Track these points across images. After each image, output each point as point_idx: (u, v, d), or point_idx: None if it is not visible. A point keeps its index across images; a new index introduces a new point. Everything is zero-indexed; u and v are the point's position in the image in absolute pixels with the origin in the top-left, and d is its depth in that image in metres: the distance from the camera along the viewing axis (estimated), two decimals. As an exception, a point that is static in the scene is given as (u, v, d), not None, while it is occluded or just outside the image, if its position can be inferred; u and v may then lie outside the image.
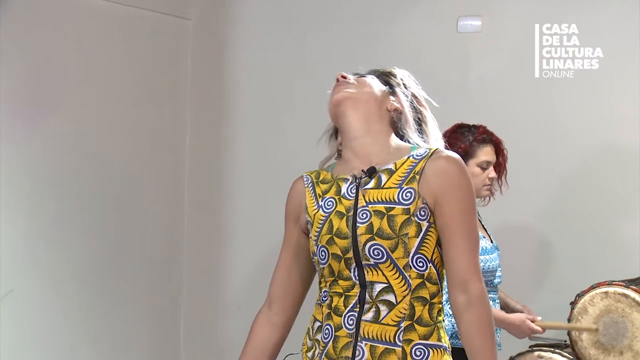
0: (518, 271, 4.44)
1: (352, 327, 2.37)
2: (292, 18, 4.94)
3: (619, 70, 4.41)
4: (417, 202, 2.35)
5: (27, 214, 4.28)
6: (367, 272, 2.36)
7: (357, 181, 2.43)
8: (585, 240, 4.43)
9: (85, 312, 4.52)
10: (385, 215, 2.35)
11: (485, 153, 3.66)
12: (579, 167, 4.47)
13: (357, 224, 2.37)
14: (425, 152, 2.42)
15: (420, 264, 2.36)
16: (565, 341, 3.92)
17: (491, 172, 3.67)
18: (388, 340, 2.34)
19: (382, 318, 2.34)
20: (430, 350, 2.34)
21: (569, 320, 3.81)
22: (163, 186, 4.95)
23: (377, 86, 2.51)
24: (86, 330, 4.53)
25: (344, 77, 2.52)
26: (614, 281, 3.80)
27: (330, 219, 2.41)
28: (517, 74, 4.56)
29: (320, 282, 2.48)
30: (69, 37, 4.46)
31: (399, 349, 2.33)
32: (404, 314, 2.34)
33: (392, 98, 2.51)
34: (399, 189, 2.37)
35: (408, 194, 2.36)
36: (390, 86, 2.53)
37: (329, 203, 2.44)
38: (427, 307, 2.36)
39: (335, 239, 2.39)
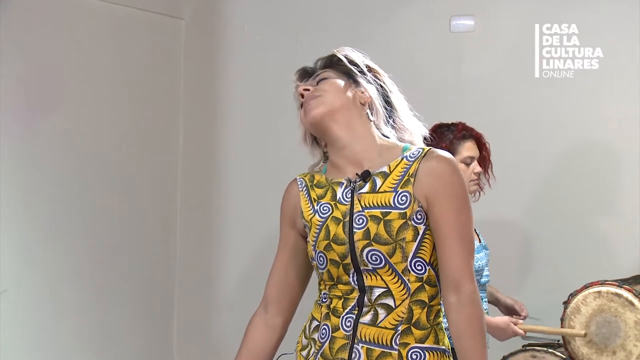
0: (509, 270, 4.44)
1: (350, 329, 2.36)
2: (285, 18, 4.94)
3: (619, 70, 4.41)
4: (413, 205, 2.34)
5: (21, 213, 4.28)
6: (366, 277, 2.35)
7: (352, 185, 2.41)
8: (578, 239, 4.44)
9: (79, 312, 4.52)
10: (382, 221, 2.34)
11: (467, 148, 3.66)
12: (578, 166, 4.48)
13: (354, 230, 2.35)
14: (419, 152, 2.39)
15: (419, 268, 2.35)
16: (558, 341, 3.93)
17: (476, 167, 3.68)
18: (385, 343, 2.33)
19: (380, 321, 2.34)
20: (427, 353, 2.34)
21: (562, 319, 3.82)
22: (156, 185, 4.95)
23: (341, 82, 2.45)
24: (80, 329, 4.53)
25: (307, 90, 2.45)
26: (607, 281, 3.80)
27: (327, 225, 2.40)
28: (511, 74, 4.56)
29: (319, 285, 2.47)
30: (62, 36, 4.46)
31: (395, 353, 2.33)
32: (402, 317, 2.34)
33: (360, 89, 2.45)
34: (395, 193, 2.36)
35: (404, 198, 2.35)
36: (349, 75, 2.46)
37: (325, 208, 2.43)
38: (425, 310, 2.36)
39: (333, 244, 2.38)
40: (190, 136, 5.06)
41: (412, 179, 2.35)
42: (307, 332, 2.47)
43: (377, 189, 2.38)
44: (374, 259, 2.33)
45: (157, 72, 4.94)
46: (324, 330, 2.40)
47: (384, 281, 2.34)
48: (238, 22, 5.01)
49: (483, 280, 3.64)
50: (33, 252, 4.33)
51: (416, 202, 2.34)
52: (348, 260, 2.36)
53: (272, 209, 4.77)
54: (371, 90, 2.45)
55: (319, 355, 2.40)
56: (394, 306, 2.34)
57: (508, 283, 4.25)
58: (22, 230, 4.29)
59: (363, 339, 2.35)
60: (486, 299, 3.70)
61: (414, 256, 2.34)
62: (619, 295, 3.75)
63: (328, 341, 2.39)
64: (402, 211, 2.34)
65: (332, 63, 2.49)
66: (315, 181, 2.50)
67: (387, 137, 2.46)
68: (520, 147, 4.52)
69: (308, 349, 2.45)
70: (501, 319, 3.68)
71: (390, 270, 2.33)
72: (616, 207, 4.42)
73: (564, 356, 3.78)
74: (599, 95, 4.45)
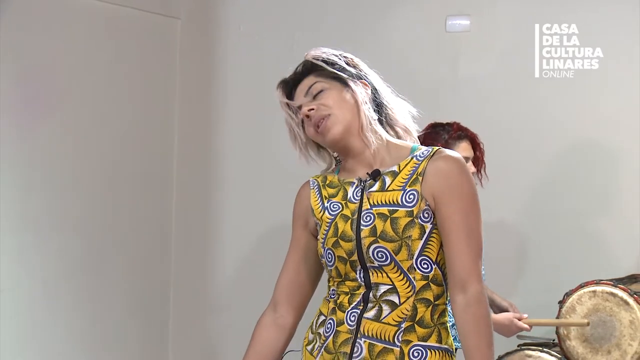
0: (504, 270, 4.45)
1: (354, 323, 2.38)
2: (281, 17, 4.94)
3: (619, 70, 4.42)
4: (420, 204, 2.36)
5: (14, 211, 4.27)
6: (372, 274, 2.38)
7: (362, 184, 2.43)
8: (575, 239, 4.44)
9: (73, 311, 4.51)
10: (389, 218, 2.36)
11: (462, 149, 3.67)
12: (577, 166, 4.48)
13: (361, 227, 2.38)
14: (428, 151, 2.42)
15: (425, 266, 2.37)
16: (553, 340, 3.93)
17: (470, 167, 3.69)
18: (387, 339, 2.35)
19: (384, 317, 2.36)
20: (429, 352, 2.35)
21: (557, 318, 3.82)
22: (151, 184, 4.95)
23: (338, 91, 2.45)
24: (74, 328, 4.52)
25: (311, 110, 2.43)
26: (602, 280, 3.81)
27: (336, 222, 2.42)
28: (508, 74, 4.56)
29: (329, 281, 2.48)
30: (57, 35, 4.45)
31: (397, 349, 2.34)
32: (406, 314, 2.36)
33: (352, 91, 2.45)
34: (403, 191, 2.38)
35: (411, 196, 2.37)
36: (337, 78, 2.46)
37: (335, 206, 2.45)
38: (430, 308, 2.37)
39: (341, 241, 2.40)
40: (186, 136, 5.06)
41: (420, 178, 2.38)
42: (314, 327, 2.48)
43: (386, 187, 2.40)
44: (379, 255, 2.35)
45: (152, 72, 4.94)
46: (329, 325, 2.42)
47: (390, 278, 2.36)
48: (234, 21, 5.01)
49: None
50: (27, 252, 4.32)
51: (423, 200, 2.36)
52: (355, 257, 2.38)
53: (268, 209, 4.82)
54: (361, 94, 2.45)
55: (322, 349, 2.42)
56: (398, 303, 2.35)
57: (504, 282, 4.26)
58: (16, 230, 4.28)
59: (366, 334, 2.36)
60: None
61: (419, 254, 2.36)
62: (614, 295, 3.76)
63: (332, 335, 2.41)
64: (409, 209, 2.36)
65: (313, 67, 2.49)
66: (327, 181, 2.52)
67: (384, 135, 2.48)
68: (518, 147, 4.52)
69: (313, 343, 2.46)
70: (504, 316, 3.68)
71: (396, 267, 2.35)
72: (614, 207, 4.42)
73: (559, 355, 3.79)
74: (599, 95, 4.46)
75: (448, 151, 2.43)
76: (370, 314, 2.37)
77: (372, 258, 2.36)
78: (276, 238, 4.78)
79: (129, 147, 4.80)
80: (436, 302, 2.38)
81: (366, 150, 2.44)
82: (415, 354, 2.34)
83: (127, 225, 4.78)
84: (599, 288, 3.79)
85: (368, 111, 2.44)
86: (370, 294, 2.38)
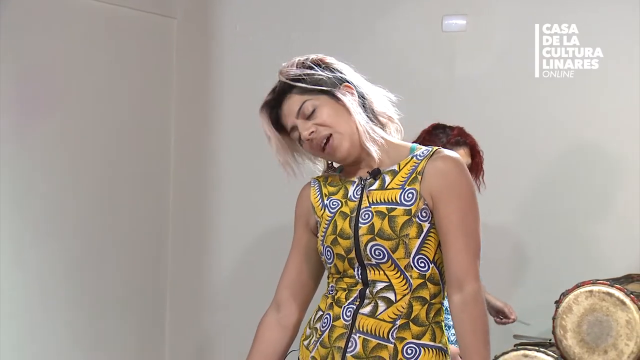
0: (501, 271, 4.45)
1: (349, 319, 2.40)
2: (278, 17, 4.94)
3: (619, 70, 4.42)
4: (419, 203, 2.38)
5: (11, 212, 4.26)
6: (370, 271, 2.39)
7: (363, 183, 2.45)
8: (574, 239, 4.44)
9: (71, 310, 4.51)
10: (387, 216, 2.37)
11: (459, 155, 3.65)
12: (576, 167, 4.48)
13: (359, 225, 2.40)
14: (427, 151, 2.43)
15: (422, 265, 2.38)
16: (550, 340, 3.93)
17: None
18: (381, 335, 2.37)
19: (379, 313, 2.37)
20: (422, 350, 2.37)
21: (554, 318, 3.82)
22: (148, 185, 4.95)
23: (330, 104, 2.44)
24: (72, 328, 4.52)
25: (313, 133, 2.42)
26: (599, 280, 3.81)
27: (335, 220, 2.44)
28: (505, 74, 4.56)
29: (328, 278, 2.50)
30: (54, 35, 4.45)
31: (391, 346, 2.36)
32: (401, 312, 2.37)
33: (346, 100, 2.44)
34: (402, 190, 2.40)
35: (410, 195, 2.38)
36: (327, 92, 2.43)
37: (334, 203, 2.47)
38: (425, 307, 2.39)
39: (339, 239, 2.42)
40: (182, 136, 5.06)
41: (419, 177, 2.39)
42: (312, 322, 2.50)
43: (386, 186, 2.42)
44: (377, 253, 2.37)
45: (149, 71, 4.93)
46: (325, 320, 2.44)
47: (387, 276, 2.38)
48: (230, 21, 5.01)
49: None
50: (26, 252, 4.32)
51: (422, 199, 2.38)
52: (353, 254, 2.40)
53: (264, 209, 4.82)
54: (351, 103, 2.44)
55: (318, 343, 2.44)
56: (394, 300, 2.37)
57: (500, 283, 4.25)
58: (13, 229, 4.28)
59: (361, 330, 2.38)
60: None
61: (417, 253, 2.37)
62: (610, 295, 3.76)
63: (328, 330, 2.43)
64: (408, 208, 2.37)
65: (295, 82, 2.44)
66: (329, 180, 2.54)
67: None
68: (518, 148, 4.52)
69: (310, 338, 2.48)
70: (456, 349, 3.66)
71: (393, 265, 2.37)
72: (612, 208, 4.42)
73: (555, 355, 3.79)
74: (599, 95, 4.46)
75: (447, 151, 2.45)
76: (366, 310, 2.38)
77: (370, 256, 2.38)
78: (273, 237, 4.79)
79: (125, 147, 4.80)
80: (432, 301, 2.40)
81: (369, 156, 2.44)
82: (409, 352, 2.36)
83: (124, 225, 4.78)
84: (595, 288, 3.79)
85: (362, 120, 2.43)
86: (367, 291, 2.39)
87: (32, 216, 4.35)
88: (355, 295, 2.40)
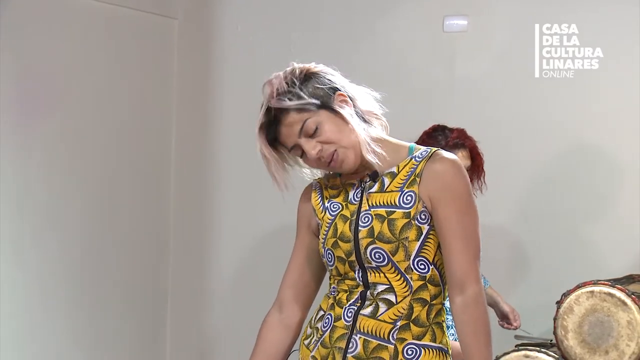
0: (502, 271, 4.44)
1: (350, 319, 2.41)
2: (278, 17, 4.94)
3: (619, 70, 4.41)
4: (418, 205, 2.38)
5: (11, 211, 4.26)
6: (370, 273, 2.41)
7: (362, 185, 2.46)
8: (574, 240, 4.43)
9: (71, 310, 4.51)
10: (386, 219, 2.38)
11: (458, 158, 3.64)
12: (576, 167, 4.47)
13: (359, 228, 2.41)
14: (426, 152, 2.44)
15: (422, 267, 2.39)
16: (551, 340, 3.93)
17: None
18: (382, 336, 2.38)
19: (380, 314, 2.39)
20: (423, 350, 2.38)
21: (555, 319, 3.82)
22: (149, 184, 4.95)
23: (331, 119, 2.42)
24: (73, 328, 4.52)
25: (320, 151, 2.41)
26: (600, 280, 3.81)
27: (335, 223, 2.45)
28: (505, 74, 4.56)
29: (330, 279, 2.51)
30: (54, 35, 4.45)
31: (391, 347, 2.37)
32: (402, 313, 2.39)
33: (344, 113, 2.42)
34: (400, 192, 2.40)
35: (409, 198, 2.39)
36: (320, 105, 2.41)
37: (335, 206, 2.48)
38: (426, 308, 2.40)
39: (340, 242, 2.43)
40: (183, 136, 5.06)
41: (417, 179, 2.40)
42: (313, 321, 2.51)
43: (385, 188, 2.43)
44: (377, 256, 2.38)
45: (149, 72, 4.93)
46: (327, 320, 2.45)
47: (387, 278, 2.39)
48: (231, 21, 5.01)
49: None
50: (26, 252, 4.32)
51: (421, 202, 2.39)
52: (353, 257, 2.41)
53: (265, 209, 4.82)
54: (349, 115, 2.43)
55: (319, 343, 2.45)
56: (395, 302, 2.39)
57: (500, 283, 4.25)
58: (13, 229, 4.28)
59: (361, 330, 2.40)
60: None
61: (416, 255, 2.38)
62: (611, 295, 3.75)
63: (329, 330, 2.44)
64: (407, 210, 2.38)
65: (289, 102, 2.41)
66: (330, 183, 2.54)
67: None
68: (518, 148, 4.52)
69: (310, 337, 2.49)
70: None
71: (393, 268, 2.38)
72: (613, 208, 4.42)
73: (556, 356, 3.78)
74: (599, 95, 4.45)
75: (445, 153, 2.45)
76: (367, 311, 2.40)
77: (370, 259, 2.39)
78: (273, 238, 4.79)
79: (126, 147, 4.80)
80: (432, 302, 2.41)
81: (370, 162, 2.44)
82: (409, 352, 2.38)
83: (125, 225, 4.78)
84: (596, 288, 3.78)
85: (361, 131, 2.43)
86: (368, 293, 2.41)
87: (32, 216, 4.35)
88: (357, 296, 2.42)
